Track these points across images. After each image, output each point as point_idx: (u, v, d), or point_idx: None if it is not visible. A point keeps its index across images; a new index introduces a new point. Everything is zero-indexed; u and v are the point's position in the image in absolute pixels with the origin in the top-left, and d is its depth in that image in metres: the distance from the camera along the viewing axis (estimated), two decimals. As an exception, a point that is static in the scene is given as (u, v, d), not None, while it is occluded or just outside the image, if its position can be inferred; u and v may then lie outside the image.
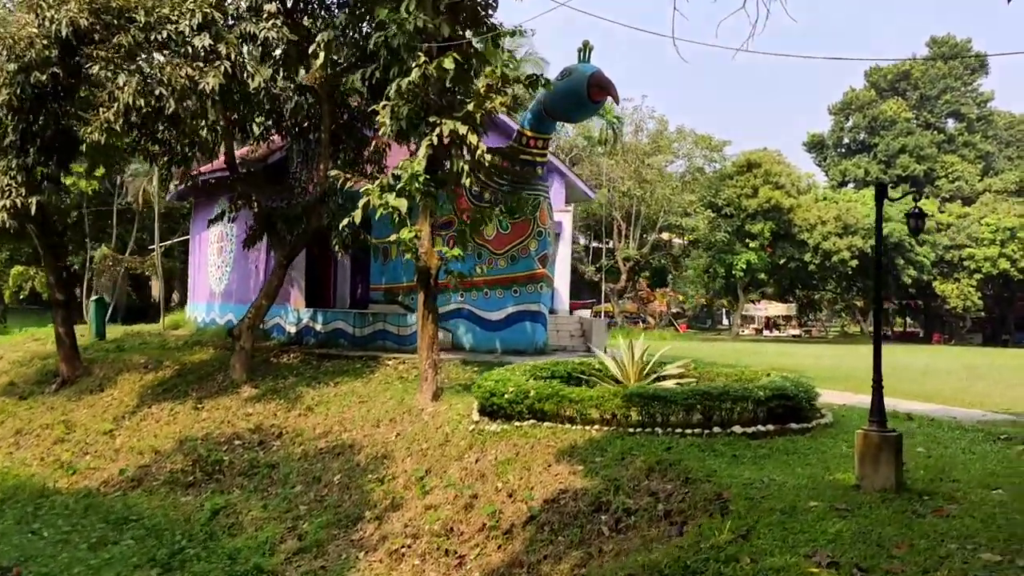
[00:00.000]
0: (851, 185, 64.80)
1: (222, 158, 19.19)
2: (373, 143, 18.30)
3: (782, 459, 9.42)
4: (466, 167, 12.96)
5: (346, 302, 21.92)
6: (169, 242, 31.74)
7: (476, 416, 11.74)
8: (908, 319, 74.06)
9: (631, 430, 10.25)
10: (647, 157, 44.62)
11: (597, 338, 21.28)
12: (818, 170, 68.61)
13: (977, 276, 53.78)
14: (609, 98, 17.68)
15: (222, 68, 13.87)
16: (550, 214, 19.19)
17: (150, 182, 25.84)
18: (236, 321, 24.34)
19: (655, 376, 12.68)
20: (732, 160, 49.12)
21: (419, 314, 13.96)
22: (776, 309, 64.18)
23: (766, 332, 66.28)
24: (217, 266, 24.61)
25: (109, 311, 28.39)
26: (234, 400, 15.79)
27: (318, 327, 20.37)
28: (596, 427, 10.43)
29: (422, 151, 12.81)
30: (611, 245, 48.16)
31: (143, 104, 13.46)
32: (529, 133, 18.51)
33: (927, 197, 59.49)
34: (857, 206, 50.90)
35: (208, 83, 13.78)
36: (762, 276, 48.03)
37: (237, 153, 22.66)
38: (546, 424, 10.75)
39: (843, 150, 67.54)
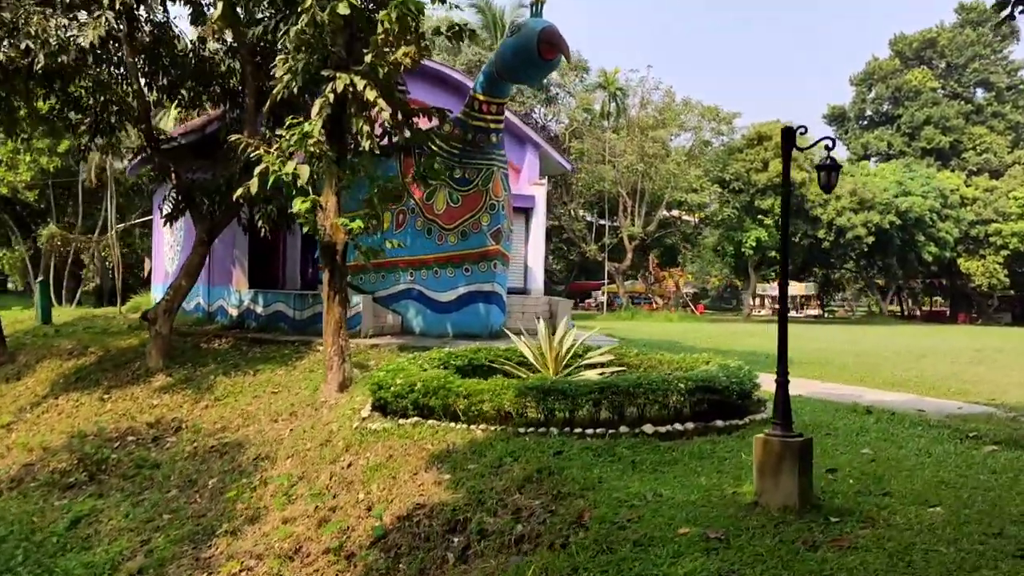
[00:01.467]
0: (874, 159, 62.32)
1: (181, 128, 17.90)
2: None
3: (689, 466, 7.87)
4: (367, 128, 11.43)
5: (296, 283, 20.57)
6: (134, 221, 30.61)
7: (366, 412, 10.30)
8: (938, 298, 71.54)
9: (524, 429, 8.74)
10: (650, 130, 42.61)
11: (562, 320, 19.71)
12: (839, 144, 66.00)
13: (1004, 252, 51.31)
14: (577, 62, 16.06)
15: (103, 20, 12.38)
16: (505, 185, 17.60)
17: (105, 156, 24.60)
18: (188, 302, 23.24)
19: (579, 365, 11.15)
20: (742, 133, 46.98)
21: (324, 294, 12.52)
22: (794, 289, 61.97)
23: (783, 312, 64.21)
24: (170, 245, 23.38)
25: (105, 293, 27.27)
26: (144, 390, 14.49)
27: (259, 310, 19.04)
28: (486, 426, 8.93)
29: (315, 109, 11.33)
30: (617, 223, 46.32)
31: (5, 58, 12.05)
32: (481, 97, 16.94)
33: (953, 170, 56.96)
34: (875, 180, 48.64)
35: (87, 37, 12.33)
36: (773, 254, 45.91)
37: (191, 124, 21.38)
38: (431, 422, 9.27)
39: (865, 122, 64.92)
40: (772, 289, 63.92)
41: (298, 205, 11.45)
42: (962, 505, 6.62)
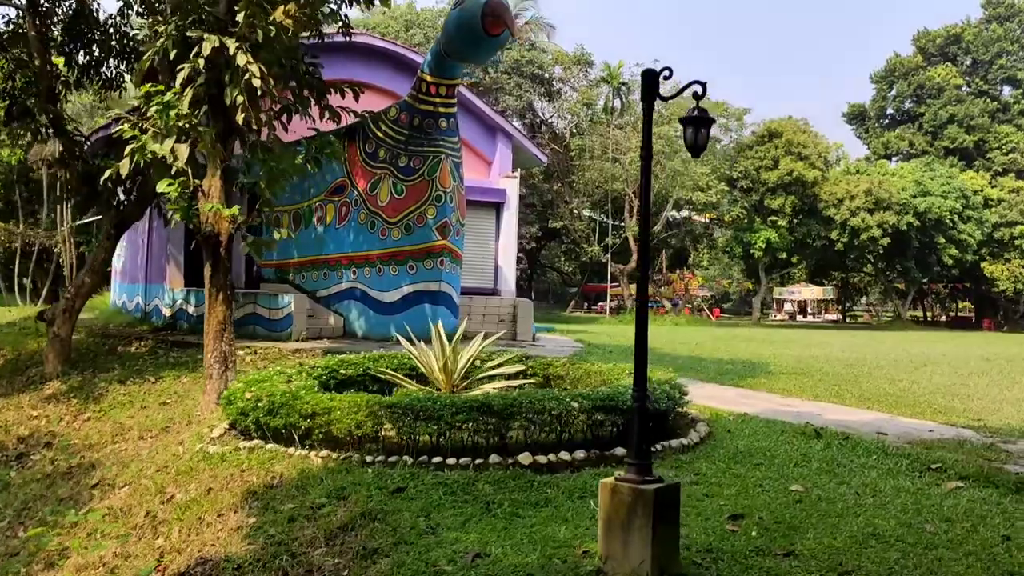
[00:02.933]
0: (895, 158, 59.94)
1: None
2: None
3: (559, 509, 6.22)
4: (242, 99, 9.86)
5: (241, 281, 19.05)
6: (92, 217, 29.28)
7: (219, 431, 8.74)
8: (968, 303, 68.77)
9: (373, 458, 7.14)
10: (655, 126, 40.75)
11: (523, 324, 18.09)
12: (859, 143, 63.79)
13: (1030, 256, 48.90)
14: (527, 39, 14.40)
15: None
16: (454, 175, 15.99)
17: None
18: (131, 301, 21.86)
19: (481, 377, 9.52)
20: (752, 129, 45.01)
21: (206, 292, 10.97)
22: (811, 293, 59.69)
23: (799, 317, 61.92)
24: (131, 241, 22.03)
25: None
26: (32, 398, 13.04)
27: (191, 310, 17.56)
28: (328, 453, 7.33)
29: (180, 77, 9.80)
30: (622, 223, 44.53)
31: None
32: (429, 78, 15.37)
33: (977, 170, 54.55)
34: (893, 179, 46.45)
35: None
36: (783, 255, 43.91)
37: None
38: (271, 447, 7.69)
39: (886, 121, 62.53)
40: (790, 293, 61.68)
41: (163, 187, 9.92)
42: (883, 571, 4.96)
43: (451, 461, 7.05)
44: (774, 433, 8.93)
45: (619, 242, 44.44)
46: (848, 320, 67.13)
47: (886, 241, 42.99)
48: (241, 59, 9.48)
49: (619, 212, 45.58)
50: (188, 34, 9.77)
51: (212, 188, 10.69)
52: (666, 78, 5.22)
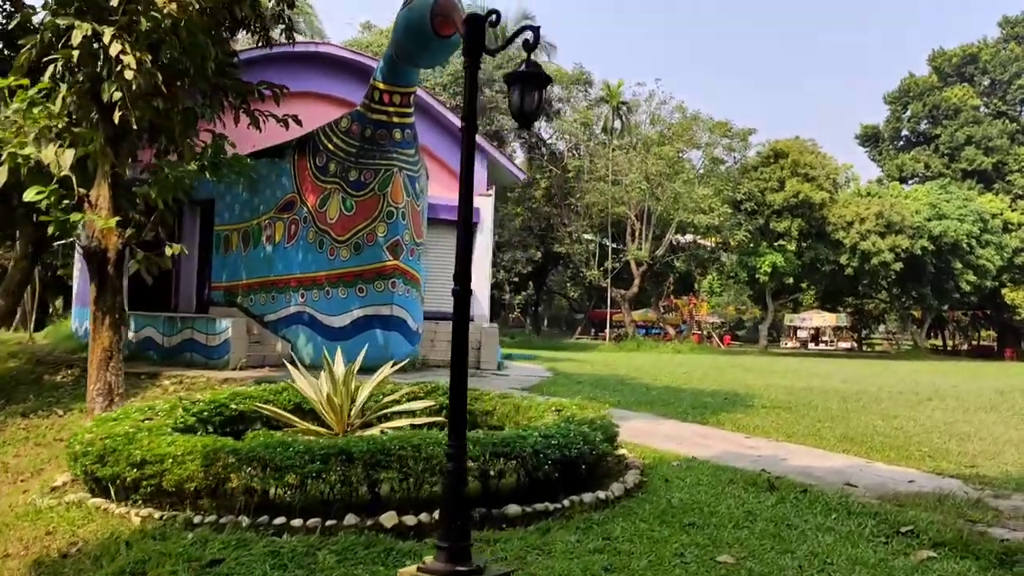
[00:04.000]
0: (911, 181, 58.24)
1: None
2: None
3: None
4: (119, 95, 8.67)
5: (191, 304, 17.90)
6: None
7: (62, 480, 7.47)
8: (991, 332, 66.58)
9: (202, 519, 5.82)
10: (656, 146, 39.48)
11: (487, 352, 16.76)
12: (873, 165, 62.21)
13: (1053, 282, 46.99)
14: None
15: None
16: (408, 191, 14.79)
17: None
18: (81, 325, 20.70)
19: (385, 413, 8.20)
20: (757, 150, 43.64)
21: (91, 315, 9.75)
22: (823, 320, 57.92)
23: (811, 345, 60.09)
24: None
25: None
26: (-74, 432, 11.83)
27: (130, 335, 16.39)
28: (152, 511, 6.03)
29: (49, 71, 8.66)
30: (623, 246, 43.22)
31: None
32: (382, 86, 14.26)
33: (996, 193, 52.80)
34: (906, 202, 44.85)
35: None
36: (790, 281, 42.31)
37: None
38: (92, 502, 6.39)
39: (901, 143, 60.93)
40: (801, 320, 59.90)
41: (31, 195, 8.74)
42: None
43: (296, 522, 5.73)
44: (721, 483, 7.54)
45: (619, 266, 43.04)
46: (865, 348, 65.16)
47: (899, 266, 41.29)
48: (114, 48, 8.31)
49: (621, 236, 44.29)
50: (59, 22, 8.62)
51: (100, 198, 9.52)
52: (492, 24, 3.91)
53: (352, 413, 7.85)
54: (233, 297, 16.77)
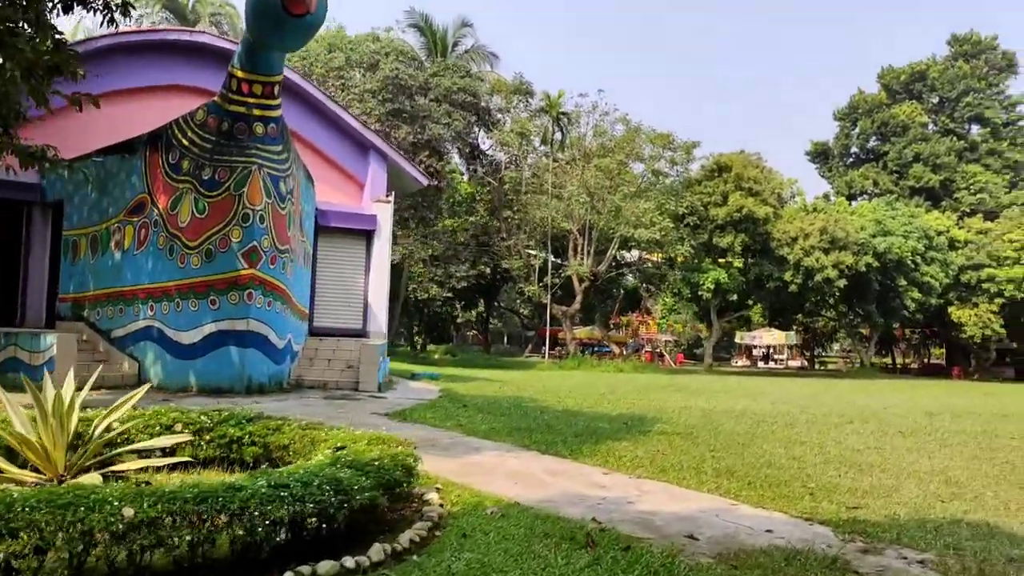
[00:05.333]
0: (862, 198, 57.73)
1: None
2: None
3: None
4: None
5: (40, 318, 16.14)
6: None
7: None
8: (943, 350, 66.13)
9: None
10: (595, 158, 38.26)
11: (367, 371, 15.18)
12: (823, 182, 61.72)
13: (999, 300, 46.37)
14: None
15: None
16: (269, 191, 13.25)
17: None
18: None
19: (115, 453, 6.59)
20: (701, 163, 42.61)
21: None
22: (773, 338, 57.02)
23: (761, 364, 59.20)
24: None
25: None
26: None
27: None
28: None
29: None
30: (563, 262, 41.88)
31: None
32: (240, 74, 12.78)
33: (944, 211, 52.37)
34: (852, 218, 44.07)
35: None
36: (734, 297, 41.21)
37: None
38: None
39: (850, 160, 60.50)
40: (751, 338, 58.98)
41: None
42: None
43: None
44: (533, 538, 6.04)
45: (559, 282, 41.69)
46: (818, 367, 64.37)
47: (843, 283, 40.35)
48: None
49: (564, 251, 43.01)
50: None
51: None
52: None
53: (71, 454, 6.23)
54: (80, 310, 15.08)
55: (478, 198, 42.40)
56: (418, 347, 55.47)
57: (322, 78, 34.71)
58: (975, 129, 58.51)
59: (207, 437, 7.15)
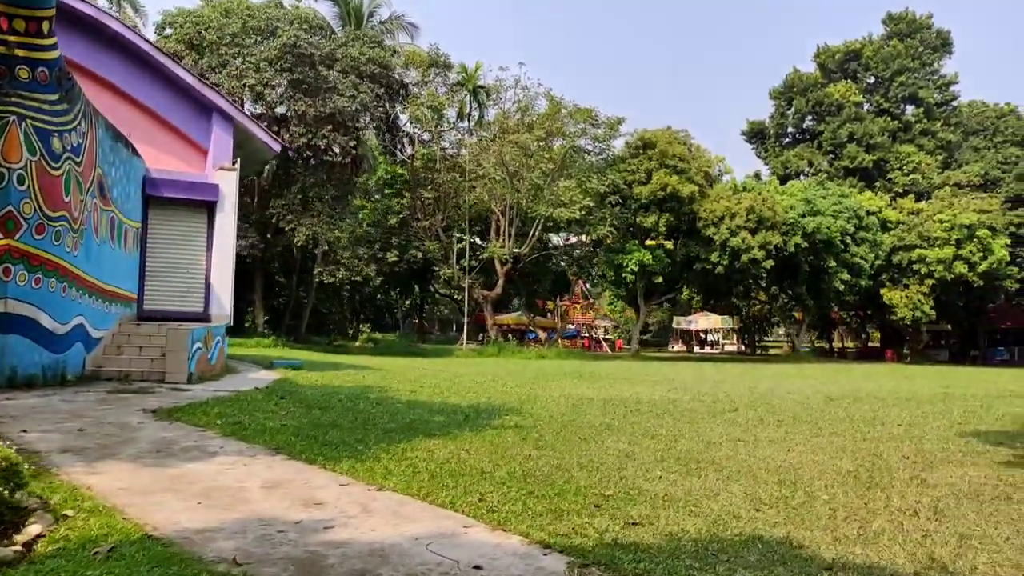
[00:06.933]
0: (800, 178, 56.72)
1: None
2: None
3: None
4: None
5: None
6: None
7: None
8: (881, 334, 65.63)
9: None
10: (512, 134, 36.39)
11: (175, 360, 13.18)
12: (760, 162, 60.66)
13: (929, 281, 45.60)
14: None
15: None
16: (36, 148, 11.19)
17: None
18: None
19: None
20: (626, 140, 41.00)
21: None
22: (708, 322, 55.92)
23: (697, 349, 58.10)
24: None
25: None
26: None
27: None
28: None
29: None
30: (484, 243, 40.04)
31: None
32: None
33: (877, 192, 51.54)
34: (782, 197, 42.86)
35: None
36: (659, 280, 39.75)
37: None
38: None
39: (787, 140, 59.46)
40: (687, 322, 57.81)
41: None
42: None
43: None
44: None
45: (477, 264, 39.88)
46: (759, 352, 63.37)
47: (769, 263, 39.11)
48: None
49: (487, 233, 41.20)
50: None
51: None
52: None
53: None
54: None
55: (397, 178, 40.40)
56: (350, 335, 53.22)
57: (214, 45, 32.38)
58: (909, 109, 57.79)
59: None
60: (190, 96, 16.79)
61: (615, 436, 10.44)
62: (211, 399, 11.58)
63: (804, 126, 57.91)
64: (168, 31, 35.39)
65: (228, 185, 16.59)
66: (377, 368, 21.86)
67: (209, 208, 16.64)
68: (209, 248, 16.64)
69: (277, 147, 18.49)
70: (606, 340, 57.96)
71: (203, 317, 16.38)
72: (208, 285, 16.60)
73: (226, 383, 13.77)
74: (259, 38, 33.08)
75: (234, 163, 16.90)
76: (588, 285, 56.62)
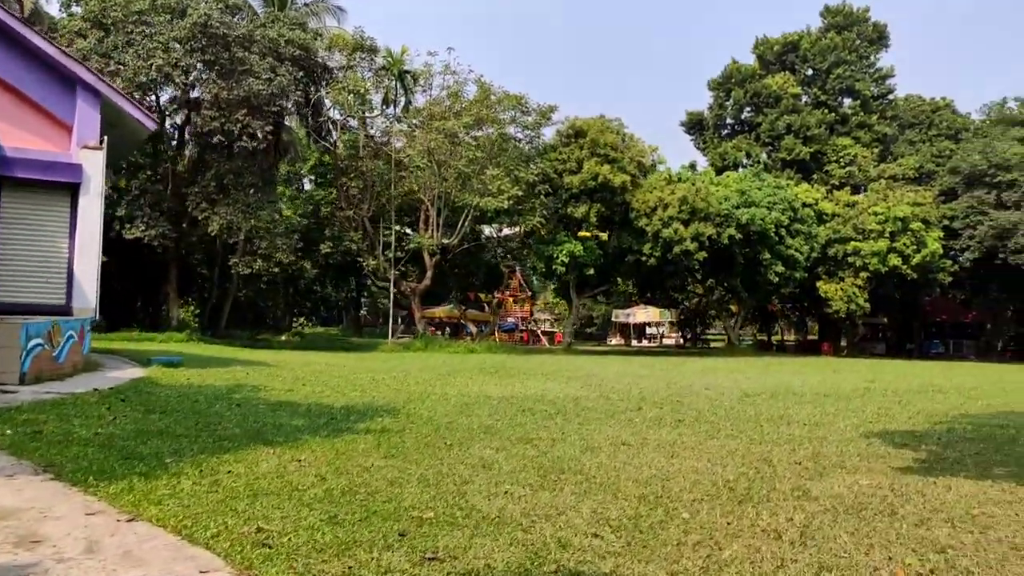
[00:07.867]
0: (740, 169, 56.27)
1: None
2: None
3: None
4: None
5: None
6: None
7: None
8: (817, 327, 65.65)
9: None
10: (437, 121, 35.11)
11: (5, 359, 11.73)
12: (698, 153, 60.18)
13: (864, 274, 45.44)
14: None
15: None
16: None
17: None
18: None
19: None
20: (557, 128, 39.98)
21: None
22: (647, 315, 55.28)
23: (635, 342, 57.47)
24: None
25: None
26: None
27: None
28: None
29: None
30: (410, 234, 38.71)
31: None
32: None
33: (814, 184, 51.35)
34: (716, 188, 42.24)
35: None
36: (591, 272, 38.85)
37: None
38: None
39: (726, 131, 59.04)
40: (626, 315, 57.12)
41: None
42: None
43: None
44: None
45: (403, 255, 38.57)
46: (700, 345, 62.92)
47: (703, 255, 38.45)
48: None
49: (416, 223, 39.87)
50: None
51: None
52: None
53: None
54: None
55: (328, 167, 38.89)
56: (289, 329, 51.27)
57: (120, 22, 30.53)
58: (847, 102, 57.77)
59: None
60: (53, 68, 15.23)
61: (486, 441, 9.32)
62: (29, 403, 10.17)
63: (743, 117, 57.55)
64: (75, 8, 33.44)
65: (94, 166, 15.09)
66: (273, 364, 20.47)
67: (72, 191, 15.12)
68: (72, 235, 15.13)
69: (152, 125, 16.96)
70: (545, 334, 57.01)
71: (65, 310, 14.87)
72: (71, 275, 15.09)
73: (70, 384, 12.33)
74: (169, 16, 31.25)
75: (101, 142, 15.39)
76: (528, 278, 55.58)
